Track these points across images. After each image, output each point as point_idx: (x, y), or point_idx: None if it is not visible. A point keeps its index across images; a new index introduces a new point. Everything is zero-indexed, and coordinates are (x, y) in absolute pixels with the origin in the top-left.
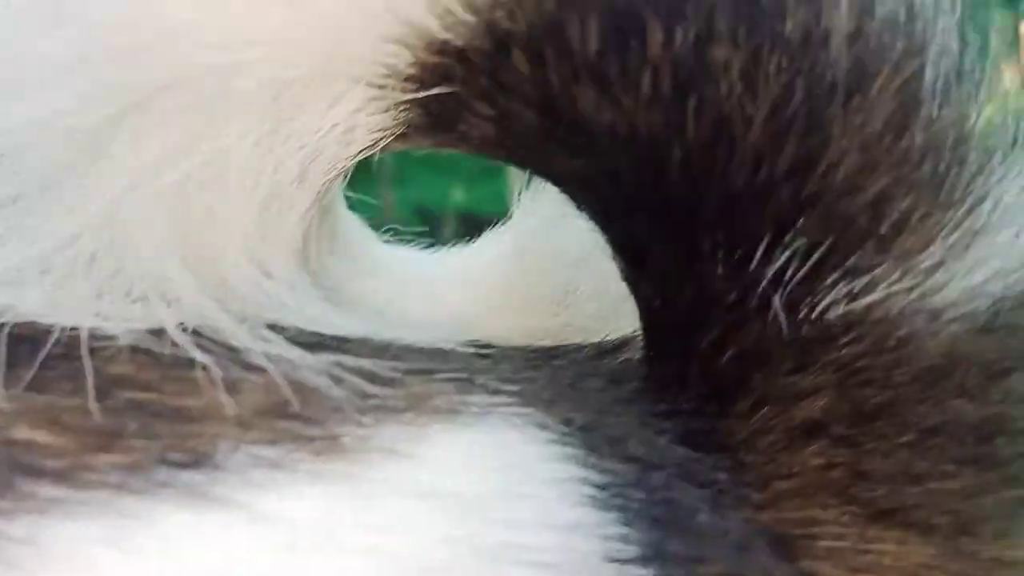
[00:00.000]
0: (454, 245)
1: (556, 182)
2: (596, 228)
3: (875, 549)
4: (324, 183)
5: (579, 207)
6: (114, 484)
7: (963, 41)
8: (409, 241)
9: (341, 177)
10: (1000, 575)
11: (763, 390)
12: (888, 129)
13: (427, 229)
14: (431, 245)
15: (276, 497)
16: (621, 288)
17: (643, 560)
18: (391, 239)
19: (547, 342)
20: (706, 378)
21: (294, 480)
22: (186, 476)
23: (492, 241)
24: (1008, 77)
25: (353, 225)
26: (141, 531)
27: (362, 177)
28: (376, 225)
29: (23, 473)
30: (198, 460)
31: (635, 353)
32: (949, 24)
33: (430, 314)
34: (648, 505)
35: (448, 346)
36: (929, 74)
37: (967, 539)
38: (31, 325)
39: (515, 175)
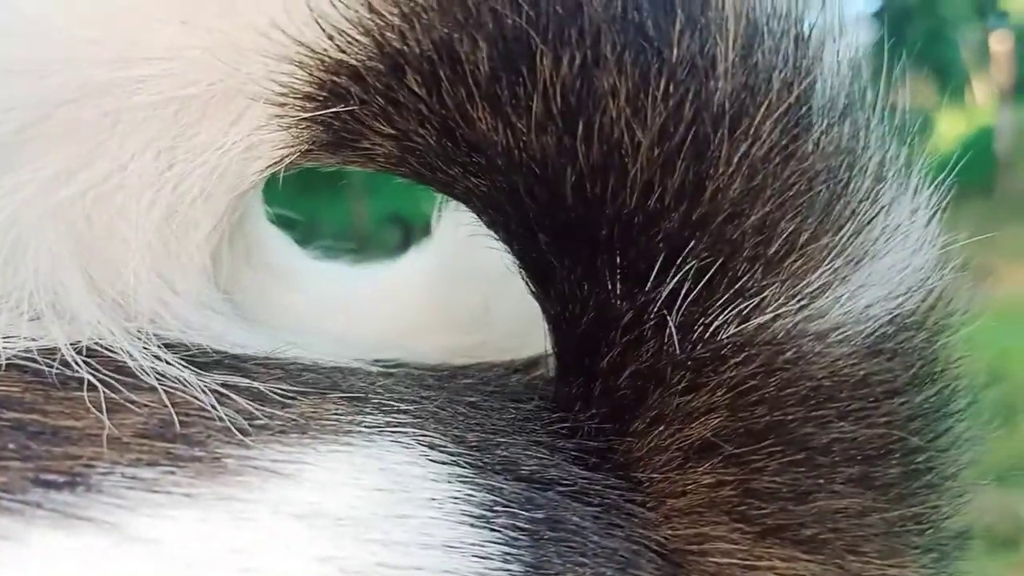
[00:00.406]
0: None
1: (462, 200)
2: (503, 247)
3: (763, 566)
4: (230, 200)
5: (487, 225)
6: None
7: (854, 67)
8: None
9: (252, 192)
10: None
11: (659, 409)
12: (774, 154)
13: (403, 237)
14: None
15: (149, 519)
16: (534, 310)
17: None
18: (320, 254)
19: (463, 360)
20: (607, 396)
21: (169, 502)
22: (60, 497)
23: (414, 258)
24: (979, 90)
25: (274, 239)
26: (11, 551)
27: (334, 187)
28: (349, 233)
29: None
30: (73, 481)
31: (545, 371)
32: (839, 50)
33: (350, 329)
34: (535, 524)
35: (351, 364)
36: (817, 99)
37: (853, 557)
38: None
39: None
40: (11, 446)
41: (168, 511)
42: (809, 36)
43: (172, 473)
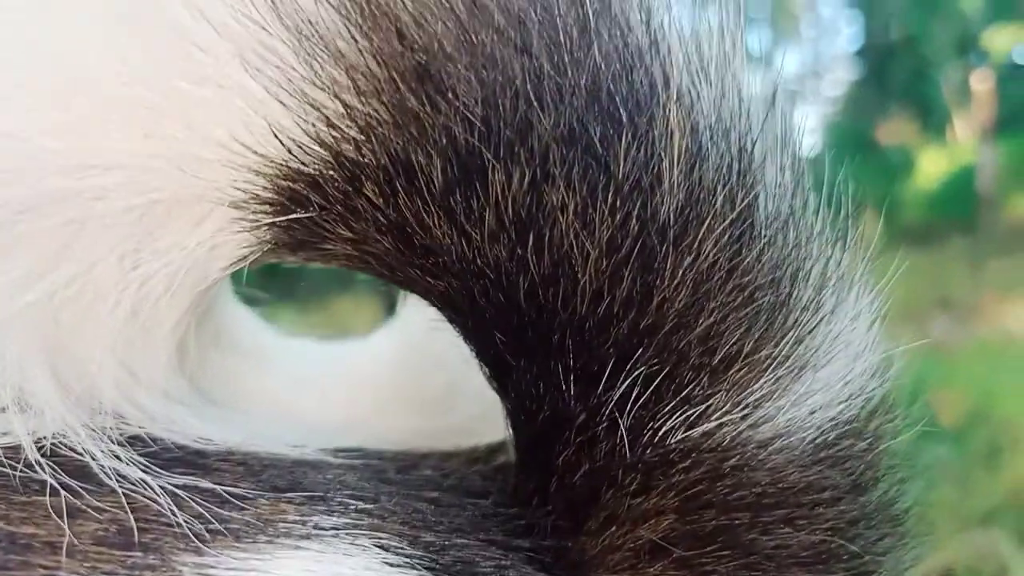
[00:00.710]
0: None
1: (422, 297)
2: (464, 341)
3: None
4: (195, 295)
5: (448, 321)
6: None
7: (796, 178)
8: None
9: (215, 286)
10: None
11: (612, 509)
12: (718, 267)
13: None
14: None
15: None
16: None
17: None
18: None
19: (428, 443)
20: (562, 493)
21: None
22: None
23: (382, 338)
24: (960, 128)
25: (242, 320)
26: None
27: None
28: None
29: None
30: None
31: (507, 458)
32: (783, 163)
33: (317, 410)
34: None
35: (314, 457)
36: (759, 211)
37: None
38: None
39: None
40: None
41: None
42: (752, 148)
43: None
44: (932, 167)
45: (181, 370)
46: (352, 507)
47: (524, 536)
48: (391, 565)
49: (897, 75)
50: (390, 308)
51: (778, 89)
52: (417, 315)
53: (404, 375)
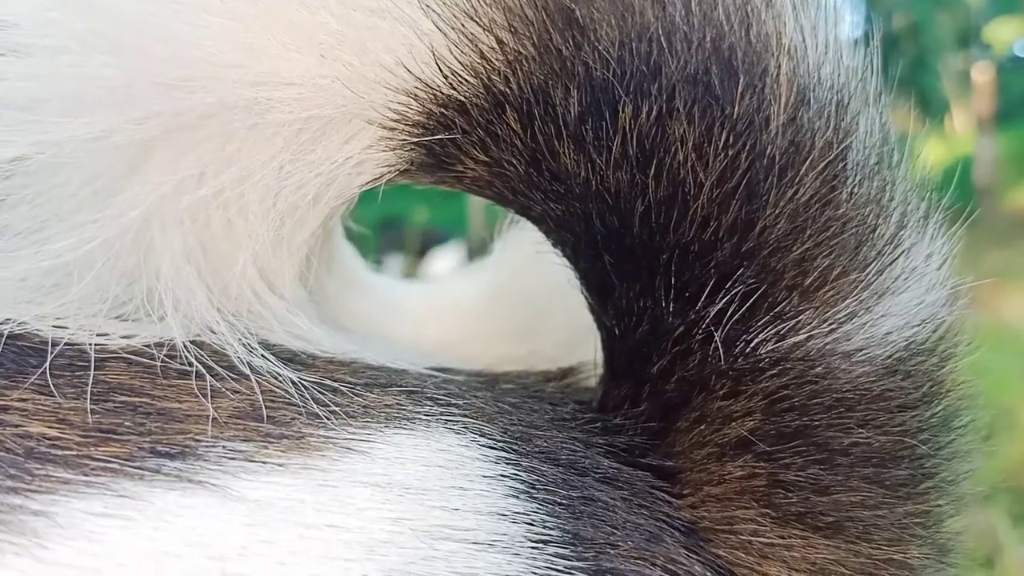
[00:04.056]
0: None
1: (535, 222)
2: (567, 264)
3: (784, 544)
4: (333, 208)
5: (554, 244)
6: (113, 470)
7: (884, 131)
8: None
9: (345, 205)
10: (890, 574)
11: (701, 411)
12: (815, 200)
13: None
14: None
15: (249, 483)
16: (582, 322)
17: (562, 543)
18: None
19: (512, 367)
20: (655, 398)
21: (265, 469)
22: (173, 464)
23: (470, 276)
24: (959, 118)
25: (348, 252)
26: (136, 507)
27: None
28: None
29: (37, 460)
30: (183, 452)
31: (577, 381)
32: (873, 115)
33: (410, 335)
34: (572, 500)
35: (406, 367)
36: (852, 157)
37: (864, 542)
38: (36, 337)
39: (472, 199)
40: (127, 423)
41: (265, 477)
42: (848, 103)
43: (265, 447)
44: (931, 157)
45: (303, 283)
46: (445, 402)
47: (600, 435)
48: (485, 447)
49: (898, 64)
50: None
51: (875, 51)
52: (506, 258)
53: (495, 307)
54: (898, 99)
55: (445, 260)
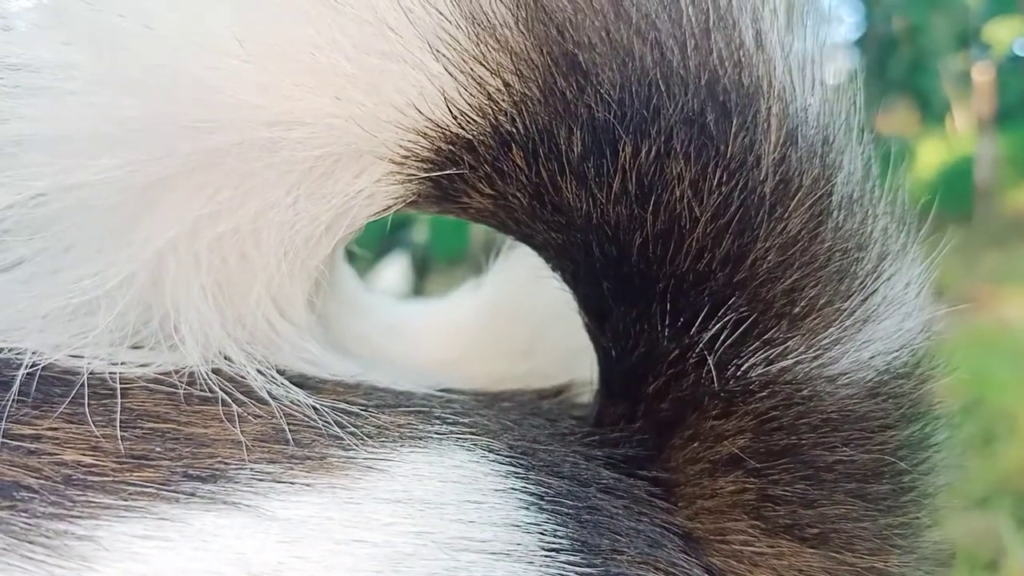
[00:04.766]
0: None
1: (536, 248)
2: (566, 288)
3: (774, 553)
4: (344, 237)
5: (553, 269)
6: (150, 493)
7: (866, 167)
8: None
9: (354, 233)
10: None
11: (694, 429)
12: (803, 234)
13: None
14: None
15: (280, 502)
16: (577, 341)
17: (572, 551)
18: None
19: (508, 385)
20: (650, 416)
21: (293, 489)
22: (206, 487)
23: (468, 297)
24: (959, 119)
25: (348, 275)
26: (176, 528)
27: None
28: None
29: (75, 487)
30: (214, 475)
31: (570, 398)
32: (856, 151)
33: (411, 357)
34: (577, 510)
35: (410, 388)
36: (837, 192)
37: (848, 553)
38: (57, 367)
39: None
40: (158, 449)
41: (294, 497)
42: (834, 141)
43: (291, 468)
44: (931, 157)
45: (311, 308)
46: (453, 420)
47: (598, 448)
48: (495, 462)
49: (897, 65)
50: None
51: (858, 90)
52: (504, 279)
53: (493, 327)
54: (898, 101)
55: (391, 272)
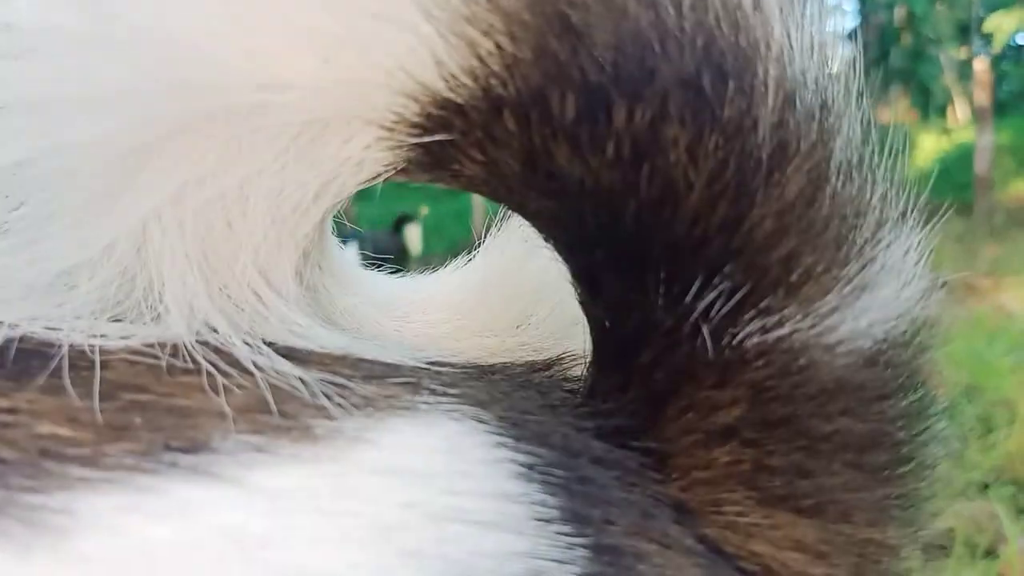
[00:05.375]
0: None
1: (528, 217)
2: (559, 258)
3: (770, 524)
4: (332, 205)
5: (546, 239)
6: (129, 465)
7: (865, 132)
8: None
9: (342, 202)
10: (869, 552)
11: (689, 399)
12: (800, 200)
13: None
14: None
15: (263, 473)
16: (569, 313)
17: (563, 521)
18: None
19: (504, 359)
20: (644, 387)
21: (277, 460)
22: (188, 458)
23: (459, 271)
24: (959, 109)
25: (336, 247)
26: (155, 500)
27: None
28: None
29: (52, 459)
30: (196, 446)
31: (562, 370)
32: (855, 117)
33: (400, 331)
34: (568, 481)
35: (398, 360)
36: (835, 158)
37: (846, 524)
38: (35, 338)
39: (475, 197)
40: (138, 420)
41: (279, 468)
42: (832, 105)
43: (276, 439)
44: (930, 147)
45: (299, 280)
46: (441, 391)
47: (589, 419)
48: (484, 432)
49: (897, 56)
50: None
51: (858, 53)
52: (496, 254)
53: (483, 302)
54: (897, 91)
55: None
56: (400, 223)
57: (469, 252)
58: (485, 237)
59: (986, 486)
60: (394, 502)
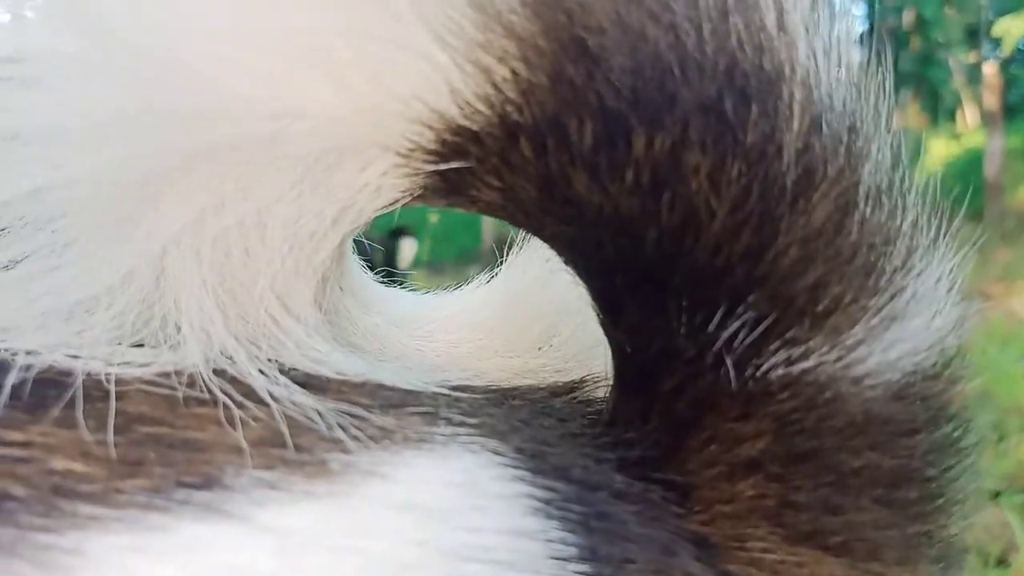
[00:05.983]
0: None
1: (547, 241)
2: (579, 282)
3: (796, 562)
4: (349, 231)
5: (565, 263)
6: (141, 503)
7: (895, 156)
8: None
9: (360, 228)
10: None
11: (712, 431)
12: (827, 228)
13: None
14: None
15: (275, 511)
16: (592, 335)
17: (581, 559)
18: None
19: (526, 380)
20: (665, 416)
21: (290, 497)
22: (200, 495)
23: (481, 290)
24: (969, 113)
25: (356, 267)
26: (166, 540)
27: None
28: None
29: (64, 496)
30: (209, 482)
31: (584, 394)
32: (884, 142)
33: (422, 351)
34: (586, 517)
35: (417, 387)
36: (864, 183)
37: (875, 562)
38: (54, 368)
39: None
40: (152, 455)
41: (291, 505)
42: (861, 128)
43: (290, 475)
44: (940, 152)
45: (318, 305)
46: (459, 421)
47: (610, 450)
48: (501, 465)
49: (907, 60)
50: None
51: (886, 75)
52: (518, 274)
53: (509, 321)
54: (907, 95)
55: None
56: (396, 234)
57: (478, 260)
58: (493, 245)
59: (998, 494)
60: (408, 539)
